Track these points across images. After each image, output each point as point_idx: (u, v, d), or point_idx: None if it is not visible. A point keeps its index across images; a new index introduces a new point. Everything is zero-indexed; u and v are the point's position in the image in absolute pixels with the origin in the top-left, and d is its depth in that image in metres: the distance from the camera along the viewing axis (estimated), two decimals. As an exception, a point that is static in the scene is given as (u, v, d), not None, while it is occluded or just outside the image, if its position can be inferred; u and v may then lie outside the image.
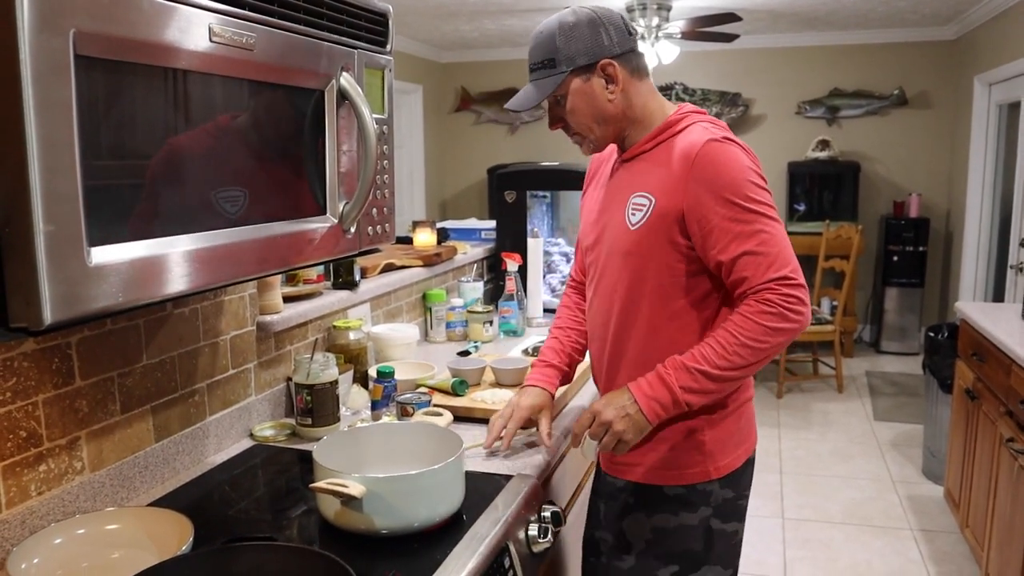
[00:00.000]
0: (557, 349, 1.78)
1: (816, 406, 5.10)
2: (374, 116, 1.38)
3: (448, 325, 2.78)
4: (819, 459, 4.25)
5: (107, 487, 1.43)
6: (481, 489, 1.52)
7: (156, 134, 0.96)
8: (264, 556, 1.14)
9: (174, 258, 0.97)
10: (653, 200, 1.45)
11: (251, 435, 1.80)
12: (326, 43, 1.24)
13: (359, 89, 1.30)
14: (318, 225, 1.27)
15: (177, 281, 0.97)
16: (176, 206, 0.99)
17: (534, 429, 1.71)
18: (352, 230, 1.36)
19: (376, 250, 1.50)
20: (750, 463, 1.61)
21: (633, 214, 1.48)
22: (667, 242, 1.45)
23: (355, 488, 1.23)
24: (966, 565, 3.14)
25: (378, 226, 1.45)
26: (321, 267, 2.18)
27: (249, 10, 1.07)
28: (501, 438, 1.65)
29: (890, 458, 4.24)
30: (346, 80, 1.29)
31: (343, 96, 1.29)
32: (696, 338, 1.48)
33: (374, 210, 1.43)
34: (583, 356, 1.80)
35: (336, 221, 1.32)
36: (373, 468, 1.50)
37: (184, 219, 1.00)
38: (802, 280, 1.39)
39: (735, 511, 1.58)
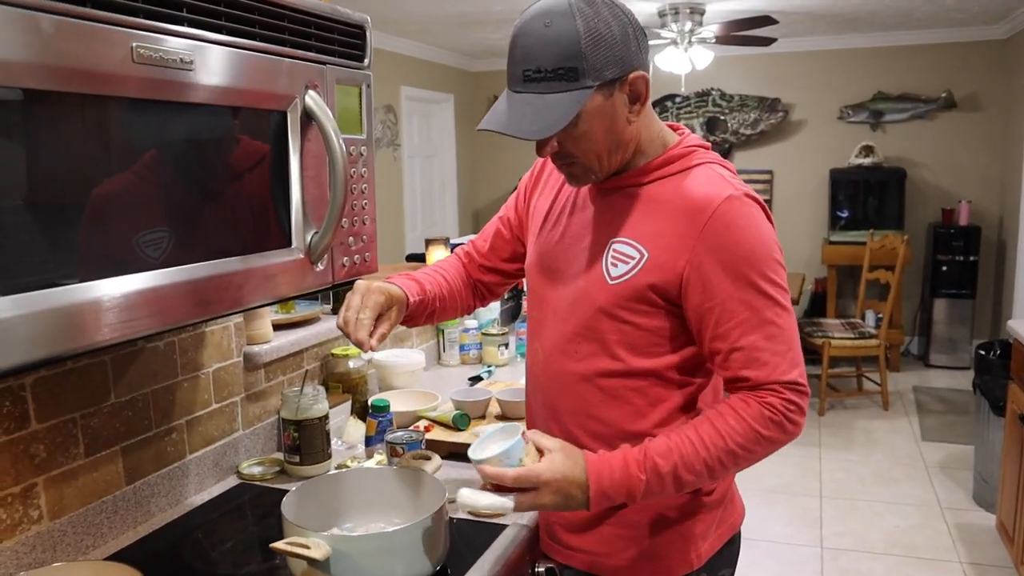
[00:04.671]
0: (427, 280, 1.42)
1: (859, 424, 4.88)
2: (349, 136, 1.28)
3: (462, 348, 2.67)
4: (861, 482, 4.03)
5: (69, 535, 1.33)
6: (470, 539, 1.39)
7: (70, 171, 0.86)
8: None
9: (89, 307, 0.87)
10: (645, 254, 1.19)
11: (237, 472, 1.70)
12: (287, 59, 1.14)
13: (327, 109, 1.19)
14: (280, 259, 1.17)
15: (95, 332, 0.87)
16: (96, 249, 0.89)
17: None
18: (323, 262, 1.25)
19: (355, 281, 1.39)
20: (734, 540, 1.39)
21: (614, 265, 1.21)
22: (651, 305, 1.20)
23: (318, 550, 1.12)
24: (1020, 603, 2.93)
25: (356, 256, 1.35)
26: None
27: (187, 25, 0.97)
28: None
29: (938, 482, 4.02)
30: (312, 99, 1.18)
31: (308, 116, 1.19)
32: (658, 412, 1.24)
33: (351, 239, 1.32)
34: (436, 316, 1.44)
35: (303, 254, 1.21)
36: (351, 519, 1.38)
37: (107, 262, 0.90)
38: (807, 387, 1.18)
39: None
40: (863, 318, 5.59)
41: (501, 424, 1.23)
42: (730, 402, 1.18)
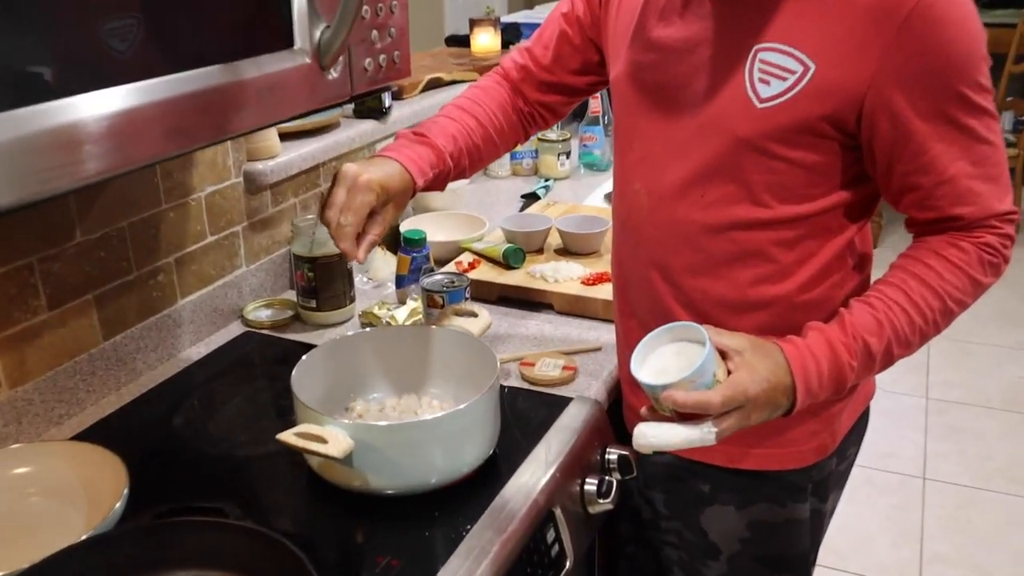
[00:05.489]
0: (450, 132, 1.24)
1: (981, 250, 4.68)
2: None
3: (513, 156, 2.51)
4: (978, 323, 3.88)
5: (37, 404, 1.25)
6: (525, 417, 1.29)
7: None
8: (206, 537, 0.95)
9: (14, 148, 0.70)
10: (811, 67, 0.99)
11: (242, 318, 1.60)
12: None
13: None
14: (280, 65, 0.98)
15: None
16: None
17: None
18: (337, 67, 1.06)
19: (384, 89, 1.21)
20: (865, 413, 1.30)
21: (763, 81, 1.02)
22: (818, 136, 1.02)
23: (336, 445, 1.01)
24: None
25: (381, 56, 1.15)
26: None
27: None
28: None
29: (1073, 324, 3.87)
30: None
31: None
32: (806, 270, 1.10)
33: (373, 33, 1.12)
34: (468, 171, 1.29)
35: (310, 57, 1.02)
36: (377, 388, 1.28)
37: (37, 77, 0.73)
38: (1018, 211, 1.06)
39: (838, 480, 1.30)
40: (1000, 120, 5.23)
41: (664, 327, 1.00)
42: (937, 248, 1.04)
